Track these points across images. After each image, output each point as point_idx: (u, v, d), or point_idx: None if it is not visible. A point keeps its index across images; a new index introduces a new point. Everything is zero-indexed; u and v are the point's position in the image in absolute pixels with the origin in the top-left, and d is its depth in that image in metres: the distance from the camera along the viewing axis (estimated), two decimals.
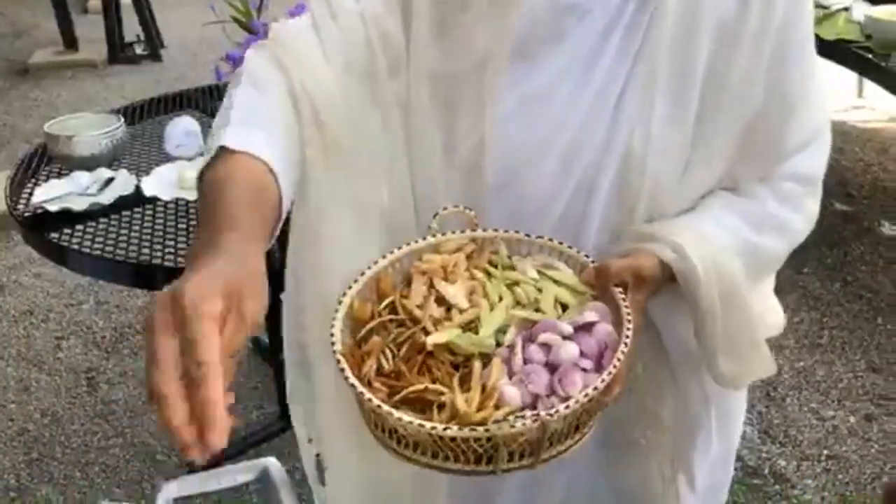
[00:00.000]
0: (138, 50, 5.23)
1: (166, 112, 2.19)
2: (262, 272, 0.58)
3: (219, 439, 0.48)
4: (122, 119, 1.89)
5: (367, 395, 0.62)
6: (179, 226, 1.63)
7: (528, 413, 0.61)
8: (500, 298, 0.73)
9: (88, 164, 1.80)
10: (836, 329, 2.56)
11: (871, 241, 2.99)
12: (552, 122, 0.79)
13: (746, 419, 2.18)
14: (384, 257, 0.76)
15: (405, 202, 0.83)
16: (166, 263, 1.53)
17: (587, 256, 0.76)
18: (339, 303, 0.71)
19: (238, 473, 0.85)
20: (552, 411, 0.60)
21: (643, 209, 0.80)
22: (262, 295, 0.56)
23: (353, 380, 0.63)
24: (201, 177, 0.68)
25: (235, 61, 1.83)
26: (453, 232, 0.79)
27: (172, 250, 1.56)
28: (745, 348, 0.83)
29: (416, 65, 0.80)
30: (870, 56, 2.52)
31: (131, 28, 5.16)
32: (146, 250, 1.55)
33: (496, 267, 0.77)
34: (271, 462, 0.86)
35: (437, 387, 0.64)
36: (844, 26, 2.68)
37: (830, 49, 2.57)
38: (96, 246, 1.57)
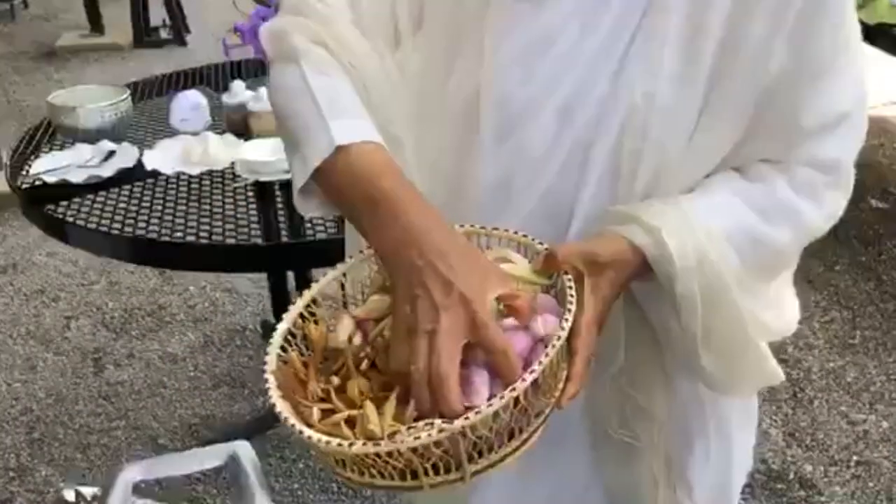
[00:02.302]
0: (163, 34, 5.24)
1: (177, 89, 2.14)
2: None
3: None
4: (129, 91, 1.84)
5: (284, 414, 0.59)
6: (179, 200, 1.58)
7: (436, 422, 0.56)
8: None
9: (92, 136, 1.75)
10: (868, 329, 2.45)
11: None
12: (552, 71, 0.73)
13: (771, 421, 2.11)
14: (334, 269, 0.71)
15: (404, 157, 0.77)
16: (163, 238, 1.47)
17: (541, 244, 0.69)
18: (280, 320, 0.67)
19: (205, 458, 0.78)
20: (457, 422, 0.55)
21: (643, 177, 0.73)
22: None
23: (274, 399, 0.60)
24: (317, 177, 0.68)
25: (244, 33, 1.77)
26: None
27: (170, 225, 1.50)
28: (736, 353, 0.75)
29: (431, 10, 0.76)
30: None
31: (157, 13, 5.17)
32: (143, 224, 1.50)
33: None
34: (241, 446, 0.79)
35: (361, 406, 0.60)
36: (888, 10, 2.56)
37: (872, 35, 2.45)
38: (92, 220, 1.51)
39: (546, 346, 0.59)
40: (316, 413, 0.60)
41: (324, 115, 0.69)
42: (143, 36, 5.18)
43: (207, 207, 1.55)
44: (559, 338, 0.59)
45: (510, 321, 0.62)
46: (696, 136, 0.72)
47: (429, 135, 0.78)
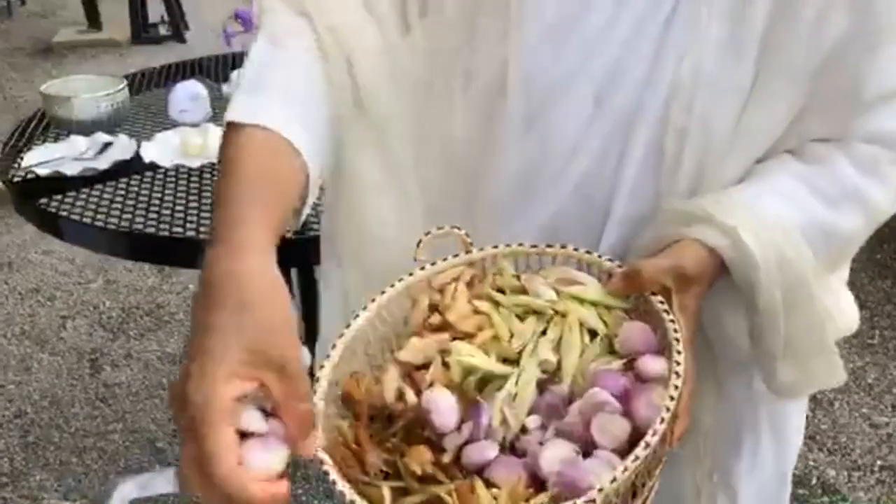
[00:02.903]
0: (162, 31, 5.18)
1: (174, 81, 2.06)
2: (275, 284, 0.52)
3: None
4: (125, 82, 1.77)
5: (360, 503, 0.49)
6: (178, 194, 1.51)
7: (578, 502, 0.46)
8: (511, 334, 0.59)
9: (87, 128, 1.68)
10: (887, 329, 2.38)
11: None
12: (585, 48, 0.66)
13: None
14: (364, 309, 0.60)
15: (431, 148, 0.70)
16: (161, 233, 1.40)
17: (611, 261, 0.61)
18: (316, 380, 0.56)
19: None
20: (589, 497, 0.46)
21: (688, 163, 0.66)
22: (289, 326, 0.51)
23: (340, 486, 0.49)
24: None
25: (245, 20, 1.70)
26: (444, 259, 0.64)
27: (169, 220, 1.43)
28: (812, 353, 0.68)
29: None
30: None
31: (156, 9, 5.10)
32: (140, 219, 1.43)
33: (504, 292, 0.62)
34: None
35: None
36: None
37: None
38: (87, 214, 1.44)
39: (658, 386, 0.51)
40: (388, 494, 0.51)
41: (242, 88, 0.63)
42: (142, 32, 5.11)
43: (208, 201, 1.48)
44: (677, 376, 0.50)
45: (606, 361, 0.55)
46: (746, 113, 0.65)
47: (441, 124, 0.71)
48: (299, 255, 1.51)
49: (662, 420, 0.48)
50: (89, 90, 1.72)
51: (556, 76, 0.67)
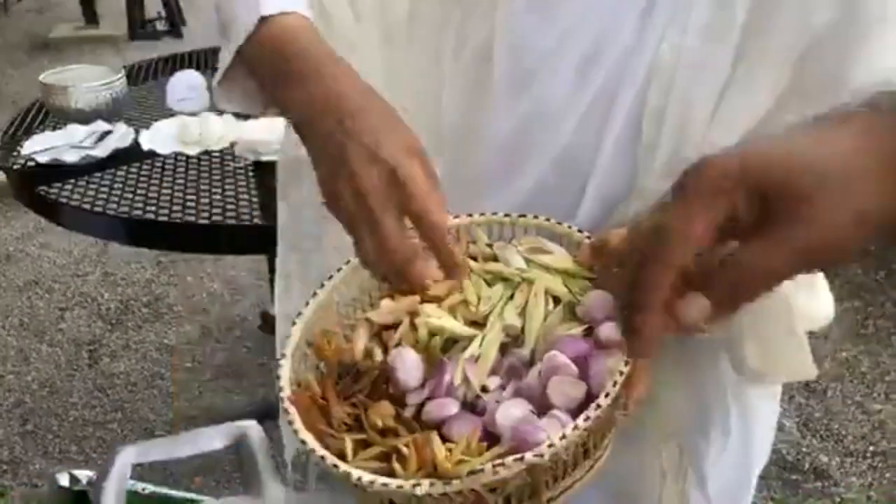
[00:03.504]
0: (159, 26, 5.17)
1: (172, 73, 2.08)
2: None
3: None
4: (123, 72, 1.78)
5: (319, 451, 0.51)
6: (177, 181, 1.52)
7: (510, 459, 0.48)
8: (479, 299, 0.60)
9: (86, 117, 1.69)
10: (880, 319, 2.40)
11: None
12: (572, 20, 0.67)
13: (784, 411, 2.06)
14: (339, 270, 0.62)
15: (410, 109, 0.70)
16: (160, 219, 1.41)
17: (581, 232, 0.62)
18: (286, 338, 0.59)
19: (209, 439, 0.73)
20: (538, 451, 0.47)
21: (666, 140, 0.66)
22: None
23: (301, 434, 0.52)
24: (243, 58, 0.63)
25: None
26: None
27: (168, 206, 1.44)
28: (779, 340, 0.68)
29: None
30: None
31: (153, 4, 5.09)
32: (139, 206, 1.44)
33: (476, 260, 0.64)
34: (250, 426, 0.73)
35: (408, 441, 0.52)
36: None
37: None
38: (86, 200, 1.45)
39: (617, 352, 0.52)
40: (349, 446, 0.52)
41: None
42: (139, 28, 5.11)
43: (207, 188, 1.50)
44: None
45: (568, 327, 0.56)
46: (726, 97, 0.65)
47: (431, 89, 0.72)
48: None
49: (615, 384, 0.50)
50: (88, 80, 1.73)
51: (541, 46, 0.68)
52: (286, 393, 0.55)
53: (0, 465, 1.99)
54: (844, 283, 2.52)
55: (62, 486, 0.73)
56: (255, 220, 1.41)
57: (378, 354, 0.58)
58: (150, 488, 0.74)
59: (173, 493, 0.75)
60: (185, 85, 1.76)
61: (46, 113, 1.79)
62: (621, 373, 0.50)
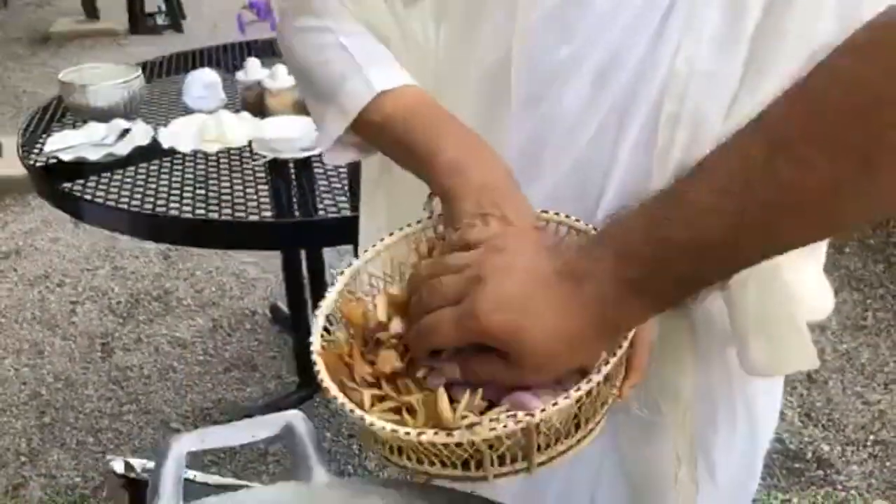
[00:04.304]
0: (160, 20, 5.18)
1: (186, 70, 2.10)
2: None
3: None
4: (140, 70, 1.81)
5: (339, 398, 0.57)
6: (198, 178, 1.55)
7: (505, 416, 0.54)
8: None
9: (104, 115, 1.72)
10: (880, 311, 2.45)
11: None
12: (589, 32, 0.70)
13: (786, 402, 2.11)
14: (374, 246, 0.69)
15: None
16: (183, 216, 1.45)
17: (595, 230, 0.65)
18: (322, 299, 0.65)
19: (259, 428, 0.76)
20: (534, 412, 0.53)
21: (679, 146, 0.69)
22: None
23: (325, 381, 0.58)
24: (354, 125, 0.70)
25: (260, 8, 1.74)
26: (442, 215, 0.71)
27: (190, 203, 1.47)
28: (782, 333, 0.72)
29: None
30: None
31: None
32: (162, 202, 1.47)
33: None
34: (295, 416, 0.77)
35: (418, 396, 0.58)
36: None
37: None
38: (110, 197, 1.49)
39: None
40: (367, 398, 0.58)
41: (359, 64, 0.69)
42: (140, 22, 5.12)
43: (228, 185, 1.53)
44: (631, 330, 0.57)
45: None
46: (737, 104, 0.68)
47: (451, 101, 0.74)
48: (310, 236, 1.56)
49: (607, 362, 0.55)
50: (106, 78, 1.76)
51: (557, 59, 0.71)
52: (315, 347, 0.60)
53: (19, 456, 2.02)
54: (844, 276, 2.57)
55: (118, 473, 0.76)
56: (269, 218, 1.44)
57: (397, 325, 0.63)
58: (200, 476, 0.77)
59: (224, 480, 0.79)
60: (202, 83, 1.79)
61: (64, 110, 1.82)
62: (614, 353, 0.55)
